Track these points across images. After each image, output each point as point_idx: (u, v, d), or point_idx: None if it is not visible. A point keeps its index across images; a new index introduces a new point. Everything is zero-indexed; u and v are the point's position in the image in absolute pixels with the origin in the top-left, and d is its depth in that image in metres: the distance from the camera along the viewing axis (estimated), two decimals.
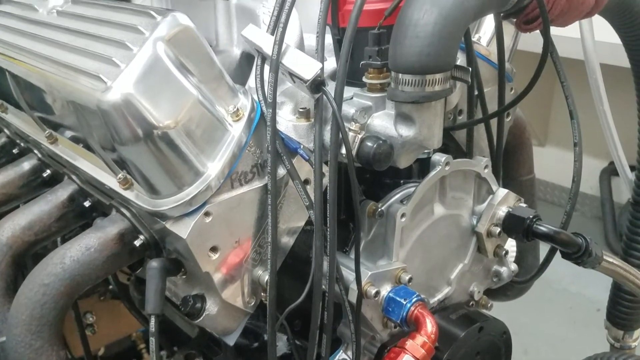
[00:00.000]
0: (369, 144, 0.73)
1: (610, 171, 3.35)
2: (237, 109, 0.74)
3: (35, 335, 0.74)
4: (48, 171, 1.03)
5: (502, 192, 0.97)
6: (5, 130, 1.16)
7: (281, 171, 0.77)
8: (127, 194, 0.78)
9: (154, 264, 0.77)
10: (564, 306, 2.90)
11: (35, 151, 1.04)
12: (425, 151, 0.90)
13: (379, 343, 0.90)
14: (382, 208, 0.87)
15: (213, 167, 0.73)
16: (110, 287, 1.47)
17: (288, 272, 0.85)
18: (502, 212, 0.97)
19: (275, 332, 0.80)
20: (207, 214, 0.73)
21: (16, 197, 1.02)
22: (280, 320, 0.81)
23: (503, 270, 1.05)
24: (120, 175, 0.78)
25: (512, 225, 0.96)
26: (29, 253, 0.90)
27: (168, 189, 0.73)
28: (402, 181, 0.94)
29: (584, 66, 1.22)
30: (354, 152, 0.74)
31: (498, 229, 0.97)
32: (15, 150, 1.13)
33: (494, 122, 1.03)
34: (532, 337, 2.55)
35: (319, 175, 0.75)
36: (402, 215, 0.84)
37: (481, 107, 0.99)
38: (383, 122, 0.76)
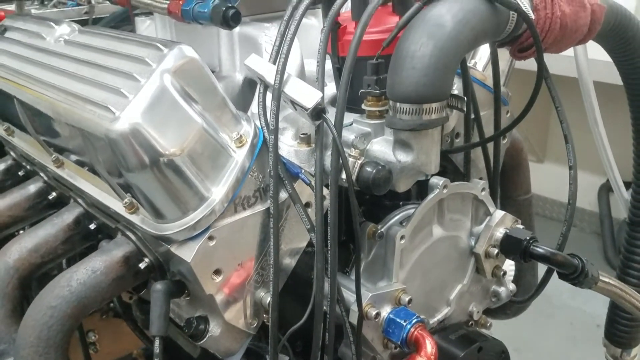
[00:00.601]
0: (369, 169, 0.75)
1: (609, 187, 3.37)
2: (241, 136, 0.76)
3: (43, 357, 0.76)
4: (54, 194, 1.05)
5: (499, 213, 0.99)
6: (12, 153, 1.18)
7: (283, 195, 0.79)
8: (133, 218, 0.80)
9: (158, 286, 0.79)
10: (564, 322, 2.90)
11: (41, 174, 1.06)
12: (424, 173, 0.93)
13: None
14: (382, 230, 0.89)
15: (217, 192, 0.75)
16: (112, 305, 1.49)
17: (289, 293, 0.86)
18: (499, 233, 0.99)
19: (278, 353, 0.82)
20: (210, 237, 0.75)
21: (22, 219, 1.04)
22: (283, 342, 0.83)
23: (502, 290, 1.07)
24: (126, 200, 0.80)
25: (510, 246, 0.97)
26: (35, 275, 0.92)
27: (173, 213, 0.75)
28: (401, 203, 0.96)
29: (578, 83, 1.25)
30: (353, 177, 0.76)
31: (496, 250, 0.98)
32: (21, 173, 1.16)
33: (490, 145, 1.05)
34: (532, 353, 2.55)
35: (319, 198, 0.77)
36: (402, 237, 0.86)
37: (478, 130, 1.01)
38: (382, 147, 0.79)
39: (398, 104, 0.72)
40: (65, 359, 0.79)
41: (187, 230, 0.74)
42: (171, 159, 0.71)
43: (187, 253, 0.74)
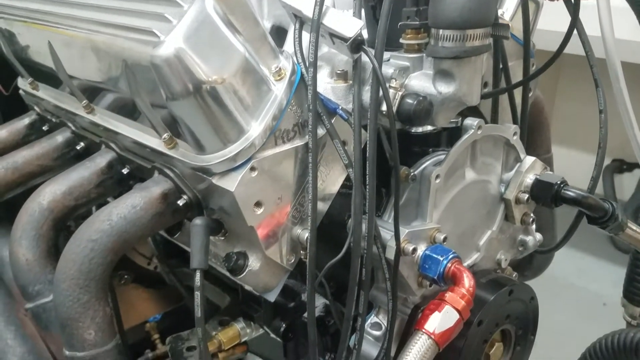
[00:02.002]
0: (409, 100, 0.75)
1: (614, 168, 3.38)
2: (279, 69, 0.76)
3: (83, 289, 0.76)
4: (82, 144, 1.05)
5: (529, 159, 1.00)
6: (36, 108, 1.18)
7: (320, 131, 0.79)
8: (172, 153, 0.80)
9: (198, 221, 0.79)
10: (570, 301, 2.91)
11: (69, 124, 1.06)
12: (453, 120, 0.93)
13: (412, 305, 0.92)
14: (415, 172, 0.89)
15: (257, 124, 0.75)
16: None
17: (324, 233, 0.86)
18: (529, 179, 0.99)
19: (315, 288, 0.82)
20: (252, 168, 0.75)
21: (50, 169, 1.04)
22: (320, 278, 0.83)
23: (529, 239, 1.07)
24: (165, 135, 0.80)
25: (540, 191, 0.98)
26: (69, 218, 0.92)
27: (214, 145, 0.75)
28: (430, 149, 0.96)
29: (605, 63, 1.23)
30: (394, 109, 0.76)
31: (526, 196, 0.99)
32: (45, 128, 1.16)
33: (518, 95, 1.05)
34: (538, 331, 2.56)
35: (358, 132, 0.77)
36: (437, 177, 0.86)
37: (505, 80, 1.01)
38: (421, 81, 0.79)
39: (441, 32, 0.72)
40: (106, 293, 0.79)
41: (228, 162, 0.74)
42: (214, 86, 0.71)
43: (230, 183, 0.74)
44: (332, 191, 0.85)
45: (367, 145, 0.78)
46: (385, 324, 0.96)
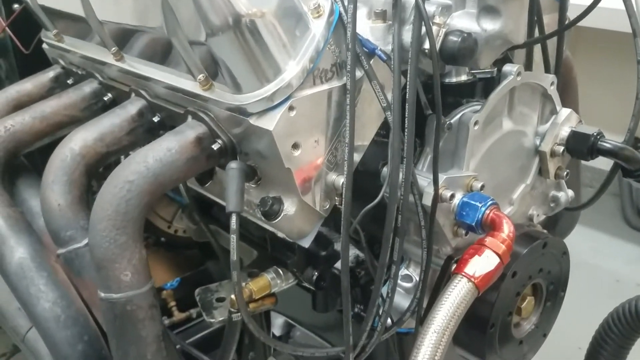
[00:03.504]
0: (454, 38, 0.73)
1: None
2: (318, 5, 0.74)
3: (120, 230, 0.75)
4: (109, 95, 1.04)
5: (565, 111, 0.98)
6: (60, 61, 1.17)
7: (358, 73, 0.78)
8: (208, 94, 0.78)
9: (233, 165, 0.78)
10: (583, 279, 2.91)
11: (96, 75, 1.05)
12: (489, 70, 0.91)
13: (444, 256, 0.91)
14: (451, 121, 0.87)
15: (295, 63, 0.73)
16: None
17: (356, 184, 0.85)
18: (565, 131, 0.97)
19: (349, 234, 0.81)
20: (291, 108, 0.73)
21: (78, 120, 1.03)
22: (355, 224, 0.82)
23: (561, 195, 1.06)
24: (200, 76, 0.78)
25: (576, 143, 0.96)
26: (100, 166, 0.91)
27: (251, 84, 0.74)
28: (464, 100, 0.94)
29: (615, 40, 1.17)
30: (437, 47, 0.74)
31: (562, 148, 0.97)
32: (69, 81, 1.14)
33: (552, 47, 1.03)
34: None
35: (398, 73, 0.75)
36: (476, 123, 0.84)
37: (539, 31, 0.99)
38: (463, 20, 0.77)
39: None
40: (141, 236, 0.78)
41: (265, 101, 0.73)
42: (253, 20, 0.69)
43: (268, 123, 0.73)
44: (368, 137, 0.83)
45: (407, 88, 0.77)
46: (416, 277, 0.95)
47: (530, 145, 0.98)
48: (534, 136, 0.98)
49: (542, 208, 1.06)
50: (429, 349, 0.71)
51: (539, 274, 0.95)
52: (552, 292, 1.00)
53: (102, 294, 0.76)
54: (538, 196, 1.04)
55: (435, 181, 0.80)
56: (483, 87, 0.93)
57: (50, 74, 1.15)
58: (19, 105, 1.09)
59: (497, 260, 0.76)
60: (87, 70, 1.07)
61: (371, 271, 0.88)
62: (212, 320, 0.97)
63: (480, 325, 0.89)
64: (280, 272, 0.94)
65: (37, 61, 1.22)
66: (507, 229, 0.78)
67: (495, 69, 0.91)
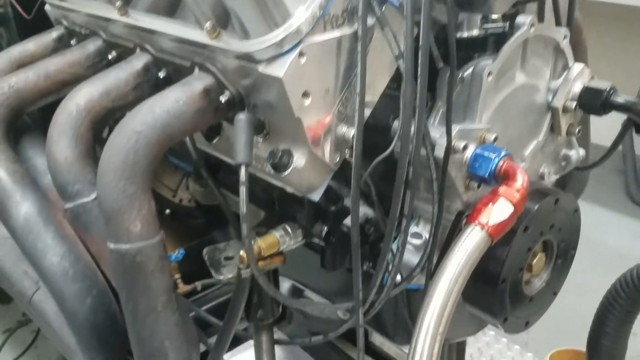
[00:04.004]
0: None
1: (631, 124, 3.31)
2: None
3: (129, 181, 0.74)
4: (113, 53, 1.02)
5: (578, 66, 0.96)
6: (63, 21, 1.15)
7: (370, 20, 0.76)
8: (215, 43, 0.77)
9: (241, 116, 0.77)
10: (587, 254, 2.90)
11: (101, 32, 1.03)
12: (500, 25, 0.89)
13: (454, 212, 0.90)
14: (464, 74, 0.86)
15: (305, 7, 0.72)
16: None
17: (366, 138, 0.84)
18: (577, 87, 0.96)
19: (360, 187, 0.80)
20: (301, 54, 0.72)
21: (82, 77, 1.01)
22: (365, 177, 0.81)
23: (572, 153, 1.05)
24: (207, 24, 0.76)
25: (589, 98, 0.95)
26: (106, 121, 0.90)
27: (260, 29, 0.72)
28: (476, 55, 0.92)
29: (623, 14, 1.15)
30: None
31: (574, 104, 0.96)
32: (73, 42, 1.13)
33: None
34: None
35: (410, 19, 0.73)
36: (489, 74, 0.83)
37: None
38: None
39: None
40: (150, 188, 0.77)
41: (274, 47, 0.71)
42: None
43: (278, 70, 0.71)
44: (378, 89, 0.82)
45: (420, 35, 0.75)
46: (425, 234, 0.94)
47: (542, 101, 0.96)
48: (546, 92, 0.97)
49: (554, 166, 1.05)
50: (442, 297, 0.70)
51: (550, 230, 0.94)
52: (563, 249, 1.00)
53: (112, 245, 0.75)
54: (549, 154, 1.03)
55: (449, 131, 0.78)
56: (494, 42, 0.91)
57: (53, 34, 1.14)
58: (22, 65, 1.07)
59: (511, 209, 0.75)
60: (91, 29, 1.05)
61: (381, 225, 0.87)
62: (220, 277, 0.96)
63: (491, 280, 0.88)
64: (289, 229, 0.93)
65: (38, 29, 1.20)
66: (521, 179, 0.77)
67: (507, 23, 0.90)
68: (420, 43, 0.74)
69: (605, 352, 1.10)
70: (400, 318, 1.04)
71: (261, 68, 0.73)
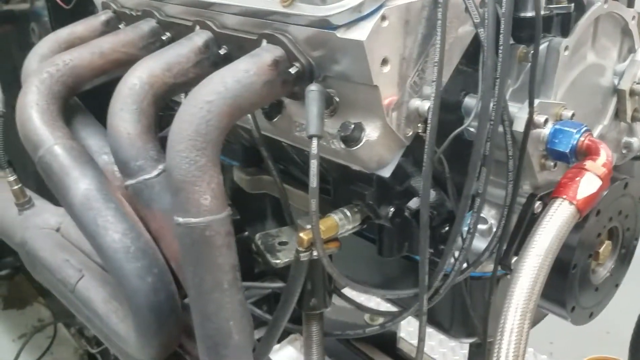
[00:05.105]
0: None
1: None
2: None
3: (201, 152, 0.71)
4: (167, 34, 1.00)
5: None
6: (112, 5, 1.13)
7: None
8: (290, 10, 0.75)
9: (313, 87, 0.75)
10: None
11: (155, 12, 1.01)
12: (566, 5, 0.88)
13: (525, 194, 0.87)
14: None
15: None
16: None
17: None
18: None
19: (433, 162, 0.77)
20: (383, 17, 0.69)
21: (137, 58, 0.98)
22: (439, 153, 0.78)
23: (634, 140, 1.02)
24: None
25: None
26: (167, 97, 0.88)
27: None
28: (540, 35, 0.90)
29: None
30: None
31: None
32: (121, 26, 1.11)
33: None
34: None
35: None
36: (566, 48, 0.81)
37: None
38: None
39: None
40: (219, 161, 0.74)
41: (352, 11, 0.69)
42: None
43: (359, 34, 0.69)
44: (453, 61, 0.79)
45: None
46: (490, 219, 0.91)
47: (608, 84, 0.94)
48: (612, 74, 0.94)
49: (615, 154, 1.02)
50: (532, 273, 0.67)
51: (618, 216, 0.91)
52: (627, 238, 0.97)
53: (180, 219, 0.72)
54: (612, 141, 1.00)
55: (531, 102, 0.76)
56: (560, 22, 0.90)
57: (102, 17, 1.12)
58: (70, 47, 1.05)
59: (599, 182, 0.72)
60: (144, 10, 1.03)
61: (453, 204, 0.84)
62: (277, 261, 0.93)
63: (562, 266, 0.85)
64: (348, 213, 0.90)
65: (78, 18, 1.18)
66: (604, 153, 0.75)
67: (573, 4, 0.88)
68: (504, 10, 0.72)
69: None
70: (458, 310, 1.01)
71: (340, 33, 0.71)
